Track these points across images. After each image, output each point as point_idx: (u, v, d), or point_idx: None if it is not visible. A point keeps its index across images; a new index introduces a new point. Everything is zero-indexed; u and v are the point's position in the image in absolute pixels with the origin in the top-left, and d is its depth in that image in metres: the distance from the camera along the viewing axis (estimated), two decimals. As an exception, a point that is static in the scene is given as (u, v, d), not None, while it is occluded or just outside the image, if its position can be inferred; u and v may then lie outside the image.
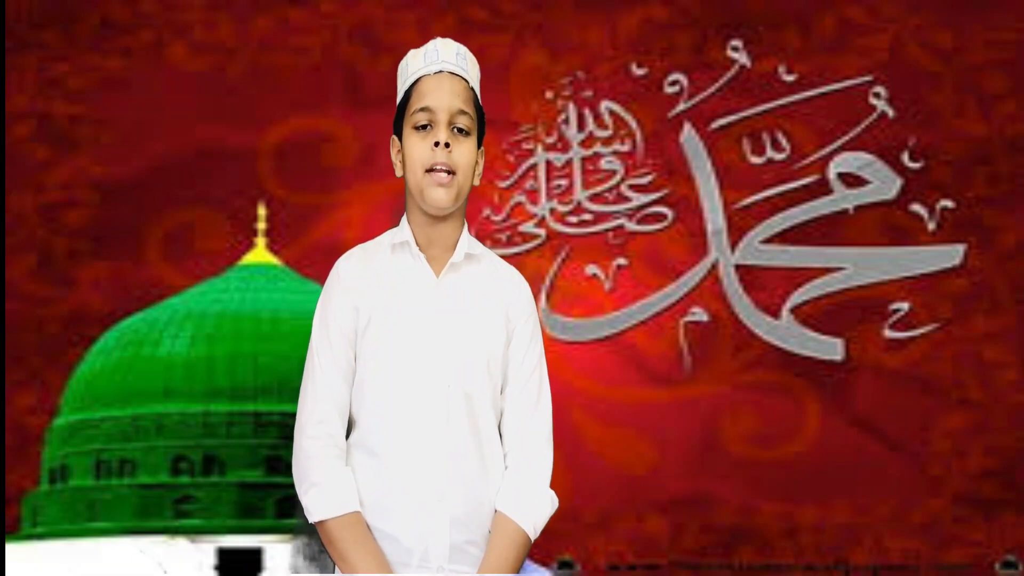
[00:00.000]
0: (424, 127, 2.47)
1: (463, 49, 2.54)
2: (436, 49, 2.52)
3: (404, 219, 2.52)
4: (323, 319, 2.48)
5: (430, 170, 2.45)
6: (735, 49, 7.72)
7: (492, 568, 2.42)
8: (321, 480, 2.41)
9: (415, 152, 2.46)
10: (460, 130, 2.47)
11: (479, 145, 2.53)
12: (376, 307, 2.46)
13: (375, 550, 2.39)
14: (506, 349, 2.50)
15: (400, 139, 2.51)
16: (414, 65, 2.52)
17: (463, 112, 2.48)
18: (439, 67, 2.49)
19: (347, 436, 2.48)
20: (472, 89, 2.52)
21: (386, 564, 2.39)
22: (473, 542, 2.45)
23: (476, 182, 2.54)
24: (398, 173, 2.53)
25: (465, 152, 2.47)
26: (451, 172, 2.45)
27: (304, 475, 2.43)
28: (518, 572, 2.46)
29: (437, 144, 2.44)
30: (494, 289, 2.53)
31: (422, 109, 2.47)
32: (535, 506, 2.48)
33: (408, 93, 2.50)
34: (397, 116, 2.52)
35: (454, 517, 2.43)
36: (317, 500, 2.40)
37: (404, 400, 2.44)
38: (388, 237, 2.53)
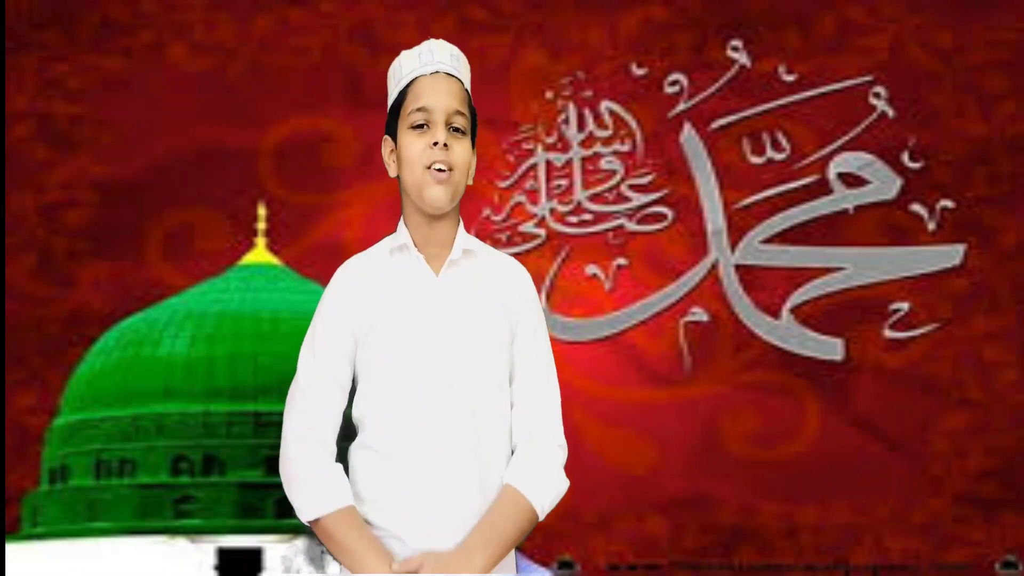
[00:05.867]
0: (421, 127, 2.48)
1: (456, 50, 2.56)
2: (431, 50, 2.53)
3: (401, 222, 2.53)
4: (312, 330, 2.50)
5: (428, 167, 2.45)
6: (735, 49, 7.72)
7: (481, 537, 2.37)
8: (307, 478, 2.41)
9: (413, 151, 2.48)
10: (456, 130, 2.49)
11: (472, 144, 2.54)
12: (378, 313, 2.47)
13: (376, 540, 2.39)
14: (510, 342, 2.51)
15: (394, 139, 2.51)
16: (408, 66, 2.53)
17: (459, 112, 2.49)
18: (435, 68, 2.51)
19: (353, 439, 2.49)
20: (466, 90, 2.53)
21: (387, 553, 2.38)
22: (479, 542, 2.45)
23: (470, 180, 2.55)
24: (391, 173, 2.54)
25: (462, 151, 2.49)
26: (449, 170, 2.46)
27: (291, 478, 2.43)
28: (513, 547, 2.43)
29: (436, 144, 2.45)
30: (495, 282, 2.54)
31: (419, 109, 2.48)
32: (547, 484, 2.45)
33: (403, 93, 2.51)
34: (390, 117, 2.53)
35: (460, 516, 2.43)
36: (307, 499, 2.41)
37: (408, 401, 2.44)
38: (386, 242, 2.54)
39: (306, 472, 2.41)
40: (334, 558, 2.43)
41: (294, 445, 2.44)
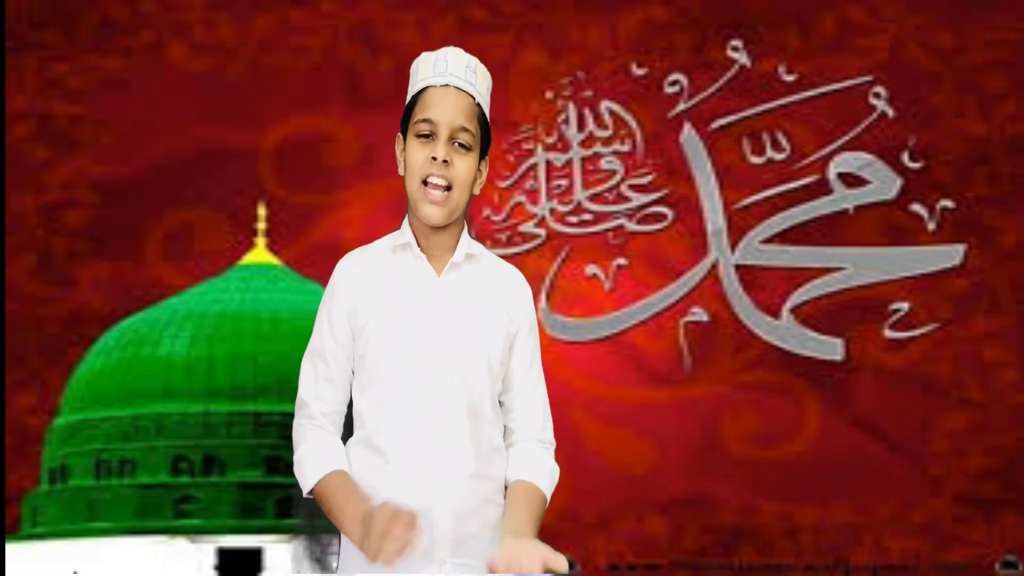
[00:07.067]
0: (426, 136, 2.48)
1: (474, 62, 2.54)
2: (446, 60, 2.52)
3: (405, 221, 2.54)
4: (325, 313, 2.53)
5: (425, 182, 2.46)
6: (735, 49, 7.72)
7: (523, 522, 2.43)
8: (307, 452, 2.47)
9: (415, 160, 2.48)
10: (461, 145, 2.48)
11: (482, 157, 2.54)
12: (376, 307, 2.50)
13: (361, 498, 2.41)
14: (507, 344, 2.54)
15: (404, 139, 2.52)
16: (423, 72, 2.53)
17: (465, 129, 2.48)
18: (446, 80, 2.50)
19: (352, 435, 2.51)
20: (478, 105, 2.52)
21: (366, 516, 2.40)
22: (475, 535, 2.47)
23: (476, 191, 2.55)
24: (401, 171, 2.54)
25: (463, 168, 2.49)
26: (447, 188, 2.46)
27: (295, 459, 2.50)
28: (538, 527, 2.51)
29: (435, 159, 2.45)
30: (494, 286, 2.56)
31: (424, 120, 2.48)
32: (549, 473, 2.54)
33: (415, 99, 2.51)
34: (404, 116, 2.53)
35: (457, 511, 2.46)
36: (305, 470, 2.46)
37: (407, 398, 2.47)
38: (389, 239, 2.56)
39: (304, 449, 2.48)
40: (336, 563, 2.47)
41: (298, 431, 2.51)
